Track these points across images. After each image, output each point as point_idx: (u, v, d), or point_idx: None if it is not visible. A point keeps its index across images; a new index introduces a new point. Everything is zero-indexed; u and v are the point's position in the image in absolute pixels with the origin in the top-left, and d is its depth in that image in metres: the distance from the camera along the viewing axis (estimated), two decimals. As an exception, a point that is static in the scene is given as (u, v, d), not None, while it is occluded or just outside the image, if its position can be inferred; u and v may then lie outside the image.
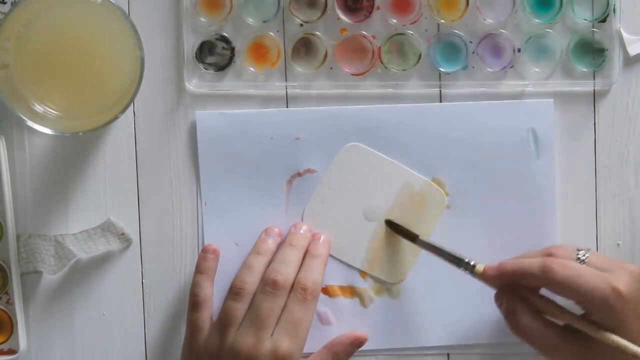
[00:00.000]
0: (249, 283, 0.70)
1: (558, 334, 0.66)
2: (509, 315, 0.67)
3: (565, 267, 0.65)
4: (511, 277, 0.67)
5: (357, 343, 0.73)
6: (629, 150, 0.74)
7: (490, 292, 0.70)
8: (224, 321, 0.69)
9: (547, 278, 0.65)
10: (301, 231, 0.73)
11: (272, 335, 0.68)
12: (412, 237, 0.71)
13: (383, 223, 0.74)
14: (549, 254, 0.67)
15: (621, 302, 0.63)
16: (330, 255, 0.73)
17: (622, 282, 0.64)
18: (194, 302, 0.71)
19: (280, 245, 0.73)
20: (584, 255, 0.66)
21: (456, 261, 0.69)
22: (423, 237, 0.71)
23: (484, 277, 0.68)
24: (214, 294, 0.72)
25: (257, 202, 0.74)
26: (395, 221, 0.73)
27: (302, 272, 0.71)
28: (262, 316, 0.68)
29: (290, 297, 0.69)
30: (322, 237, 0.73)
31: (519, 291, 0.68)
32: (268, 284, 0.69)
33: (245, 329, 0.68)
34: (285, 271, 0.70)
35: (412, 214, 0.74)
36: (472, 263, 0.68)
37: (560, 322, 0.67)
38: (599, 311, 0.64)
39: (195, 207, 0.74)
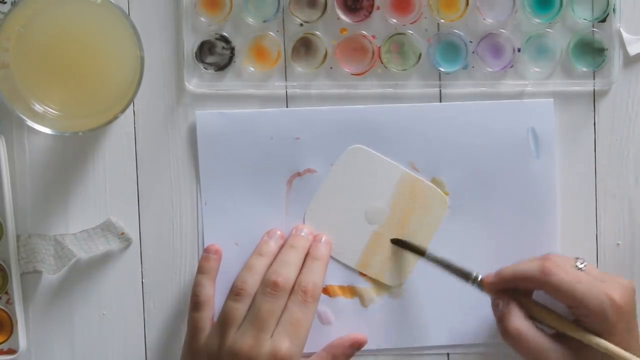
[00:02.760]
0: (249, 284, 0.70)
1: (548, 340, 0.67)
2: (502, 318, 0.68)
3: (564, 271, 0.66)
4: (510, 281, 0.68)
5: (356, 345, 0.73)
6: (629, 150, 0.74)
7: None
8: (224, 322, 0.69)
9: (545, 280, 0.66)
10: (302, 233, 0.73)
11: (272, 336, 0.68)
12: (421, 253, 0.72)
13: (383, 223, 0.74)
14: (546, 260, 0.68)
15: (616, 311, 0.65)
16: (331, 257, 0.73)
17: (616, 293, 0.66)
18: (195, 302, 0.71)
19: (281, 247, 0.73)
20: (581, 263, 0.68)
21: (464, 276, 0.70)
22: (431, 252, 0.71)
23: (484, 286, 0.69)
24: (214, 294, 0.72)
25: (257, 202, 0.74)
26: (402, 238, 0.73)
27: (302, 274, 0.71)
28: (262, 317, 0.68)
29: (291, 299, 0.69)
30: (324, 238, 0.73)
31: (514, 296, 0.68)
32: (268, 285, 0.69)
33: (245, 330, 0.68)
34: (286, 273, 0.70)
35: (414, 216, 0.74)
36: (480, 278, 0.69)
37: (551, 330, 0.68)
38: (594, 318, 0.65)
39: (195, 207, 0.74)
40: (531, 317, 0.68)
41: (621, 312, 0.65)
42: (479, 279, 0.69)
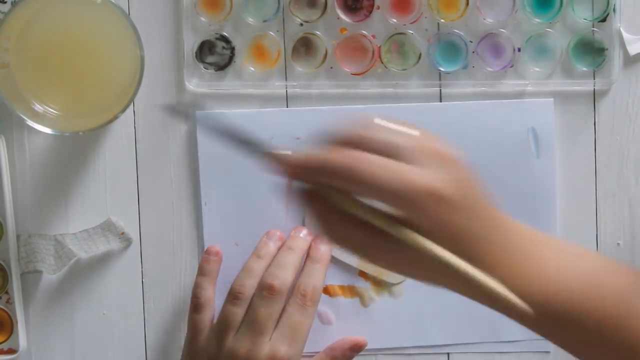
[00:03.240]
0: (247, 287, 0.70)
1: (367, 233, 0.52)
2: (322, 216, 0.53)
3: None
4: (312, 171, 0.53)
5: (356, 348, 0.73)
6: (629, 150, 0.74)
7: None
8: (222, 325, 0.69)
9: (353, 176, 0.50)
10: (301, 235, 0.73)
11: (270, 339, 0.68)
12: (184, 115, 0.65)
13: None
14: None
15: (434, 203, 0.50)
16: (332, 256, 0.73)
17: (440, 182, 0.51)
18: (196, 304, 0.71)
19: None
20: None
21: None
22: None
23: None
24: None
25: (257, 202, 0.74)
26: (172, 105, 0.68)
27: (302, 277, 0.70)
28: (259, 321, 0.68)
29: (290, 302, 0.69)
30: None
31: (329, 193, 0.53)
32: (265, 289, 0.69)
33: (242, 333, 0.68)
34: (283, 275, 0.69)
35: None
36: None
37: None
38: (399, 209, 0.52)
39: (195, 207, 0.74)
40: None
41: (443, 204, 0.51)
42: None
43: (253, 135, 0.54)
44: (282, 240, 0.73)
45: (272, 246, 0.72)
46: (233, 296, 0.69)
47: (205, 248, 0.73)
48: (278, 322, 0.68)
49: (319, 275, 0.71)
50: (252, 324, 0.68)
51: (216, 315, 0.71)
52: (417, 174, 0.50)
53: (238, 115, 0.73)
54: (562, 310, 0.54)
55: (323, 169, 0.51)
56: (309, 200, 0.53)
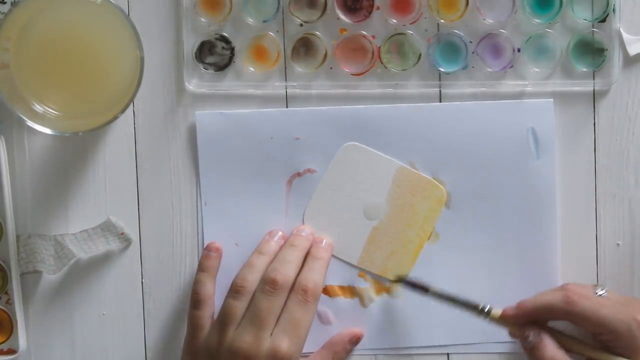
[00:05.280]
0: (249, 281, 0.70)
1: None
2: (534, 350, 0.68)
3: (587, 299, 0.67)
4: (533, 314, 0.69)
5: (354, 340, 0.73)
6: (629, 150, 0.74)
7: (490, 292, 0.70)
8: (223, 319, 0.69)
9: (569, 309, 0.67)
10: (303, 233, 0.73)
11: (271, 335, 0.68)
12: (425, 290, 0.70)
13: (382, 218, 0.74)
14: (567, 290, 0.68)
15: None
16: (332, 256, 0.73)
17: None
18: (196, 300, 0.71)
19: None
20: (601, 290, 0.68)
21: (471, 308, 0.70)
22: (433, 288, 0.70)
23: (503, 320, 0.69)
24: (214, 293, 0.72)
25: (257, 202, 0.74)
26: (404, 277, 0.72)
27: (303, 273, 0.71)
28: (261, 315, 0.68)
29: (291, 298, 0.69)
30: (325, 240, 0.73)
31: (544, 327, 0.69)
32: (267, 283, 0.69)
33: (244, 327, 0.68)
34: (285, 271, 0.70)
35: (413, 210, 0.74)
36: (486, 309, 0.69)
37: (581, 358, 0.68)
38: (622, 341, 0.66)
39: (195, 207, 0.74)
40: (561, 347, 0.68)
41: None
42: (486, 310, 0.69)
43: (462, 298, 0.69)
44: (284, 239, 0.73)
45: (274, 244, 0.72)
46: (235, 290, 0.70)
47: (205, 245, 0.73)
48: (279, 317, 0.69)
49: (320, 271, 0.71)
50: (253, 318, 0.68)
51: (216, 312, 0.71)
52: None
53: (238, 115, 0.73)
54: None
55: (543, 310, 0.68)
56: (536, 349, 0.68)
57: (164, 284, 0.75)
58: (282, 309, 0.69)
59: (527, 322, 0.69)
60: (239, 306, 0.69)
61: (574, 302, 0.67)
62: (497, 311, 0.69)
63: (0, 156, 0.72)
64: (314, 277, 0.70)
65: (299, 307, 0.69)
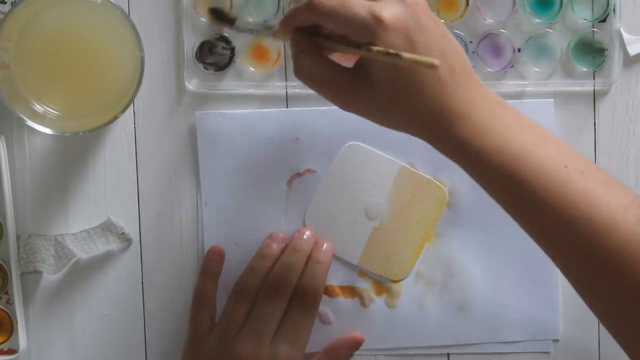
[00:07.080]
0: (251, 286, 0.70)
1: (342, 72, 0.60)
2: (296, 57, 0.61)
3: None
4: (296, 21, 0.61)
5: (355, 345, 0.73)
6: (629, 150, 0.74)
7: (491, 292, 0.70)
8: (224, 324, 0.69)
9: (314, 11, 0.59)
10: (304, 236, 0.73)
11: (272, 340, 0.68)
12: (231, 21, 0.64)
13: (383, 218, 0.73)
14: None
15: (382, 30, 0.57)
16: (334, 256, 0.73)
17: (387, 11, 0.57)
18: (197, 303, 0.71)
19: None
20: None
21: (267, 28, 0.63)
22: (240, 20, 0.65)
23: (281, 33, 0.62)
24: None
25: (257, 202, 0.74)
26: (215, 7, 0.65)
27: (304, 279, 0.70)
28: (263, 321, 0.68)
29: (292, 304, 0.69)
30: (325, 245, 0.73)
31: (312, 34, 0.61)
32: (271, 288, 0.69)
33: (245, 333, 0.68)
34: (288, 276, 0.70)
35: (414, 210, 0.74)
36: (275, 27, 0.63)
37: (350, 64, 0.62)
38: (358, 35, 0.58)
39: (195, 207, 0.74)
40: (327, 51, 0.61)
41: (389, 30, 0.57)
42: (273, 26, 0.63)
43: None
44: (285, 243, 0.73)
45: (275, 248, 0.72)
46: (236, 294, 0.70)
47: (207, 248, 0.73)
48: (280, 323, 0.69)
49: (320, 276, 0.71)
50: (255, 324, 0.68)
51: (218, 315, 0.71)
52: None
53: (238, 116, 0.73)
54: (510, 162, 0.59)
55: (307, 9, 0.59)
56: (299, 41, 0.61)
57: (164, 284, 0.75)
58: (283, 315, 0.69)
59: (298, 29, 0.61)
60: (241, 311, 0.69)
61: (318, 2, 0.58)
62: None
63: (1, 156, 0.72)
64: (314, 282, 0.70)
65: (300, 312, 0.69)
